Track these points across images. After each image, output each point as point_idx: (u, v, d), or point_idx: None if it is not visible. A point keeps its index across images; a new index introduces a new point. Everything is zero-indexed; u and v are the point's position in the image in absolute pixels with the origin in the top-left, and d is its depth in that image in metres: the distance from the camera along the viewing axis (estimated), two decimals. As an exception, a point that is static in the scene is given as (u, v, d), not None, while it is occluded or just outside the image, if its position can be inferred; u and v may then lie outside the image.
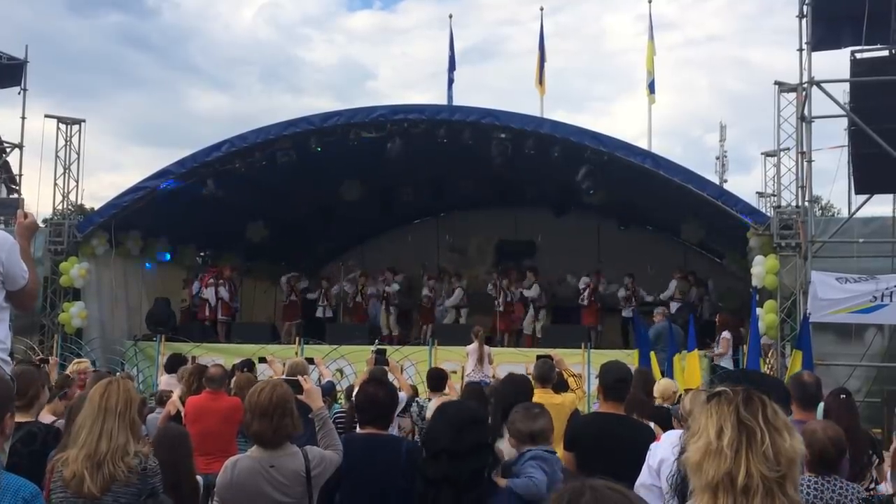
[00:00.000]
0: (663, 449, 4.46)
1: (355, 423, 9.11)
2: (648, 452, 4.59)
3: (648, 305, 18.32)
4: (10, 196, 19.67)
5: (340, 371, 15.20)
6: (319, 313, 19.93)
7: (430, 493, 4.12)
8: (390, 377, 8.98)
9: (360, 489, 4.75)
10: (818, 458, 4.36)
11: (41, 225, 16.33)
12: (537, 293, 18.67)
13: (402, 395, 9.64)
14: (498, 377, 11.74)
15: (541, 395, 6.78)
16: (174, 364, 12.11)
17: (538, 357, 8.50)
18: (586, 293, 18.59)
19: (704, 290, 18.77)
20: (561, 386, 8.67)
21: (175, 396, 8.78)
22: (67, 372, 9.10)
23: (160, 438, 4.72)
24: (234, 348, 16.52)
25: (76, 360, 11.15)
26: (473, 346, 14.17)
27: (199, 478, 5.79)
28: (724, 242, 18.27)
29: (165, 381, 11.85)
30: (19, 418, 4.42)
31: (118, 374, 13.39)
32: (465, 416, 4.28)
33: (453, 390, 9.36)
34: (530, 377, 7.41)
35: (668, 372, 12.42)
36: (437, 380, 9.21)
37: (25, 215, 4.33)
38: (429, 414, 7.87)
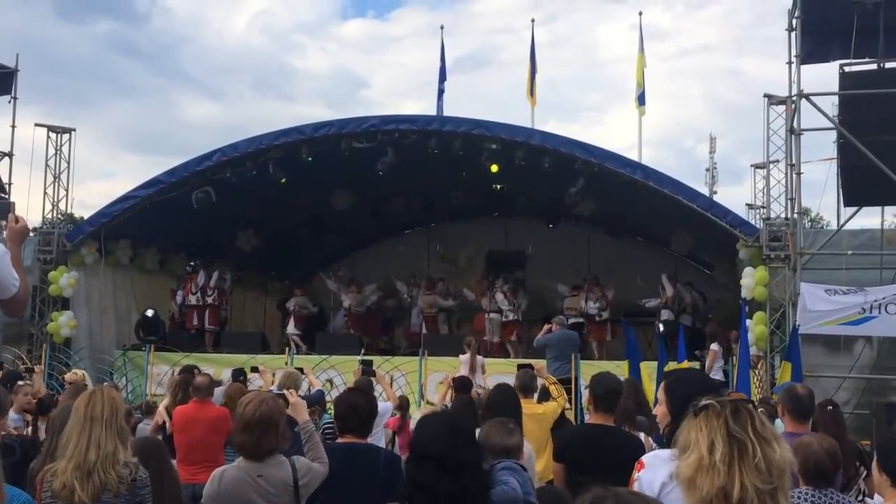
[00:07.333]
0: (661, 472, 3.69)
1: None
2: (638, 482, 3.83)
3: (641, 316, 18.31)
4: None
5: (330, 381, 15.16)
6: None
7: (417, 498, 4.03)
8: (378, 388, 8.97)
9: (337, 499, 4.72)
10: (814, 471, 4.32)
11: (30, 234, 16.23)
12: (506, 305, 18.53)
13: (388, 405, 9.66)
14: (488, 387, 11.74)
15: (523, 405, 6.79)
16: None
17: (519, 367, 8.50)
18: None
19: (699, 297, 18.65)
20: (543, 395, 8.72)
21: (161, 407, 8.76)
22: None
23: (136, 450, 4.63)
24: (223, 358, 16.44)
25: (73, 371, 11.10)
26: (465, 356, 14.16)
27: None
28: (714, 254, 18.29)
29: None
30: None
31: (106, 383, 13.39)
32: (458, 428, 4.22)
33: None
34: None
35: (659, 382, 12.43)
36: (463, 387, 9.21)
37: (17, 219, 4.16)
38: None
